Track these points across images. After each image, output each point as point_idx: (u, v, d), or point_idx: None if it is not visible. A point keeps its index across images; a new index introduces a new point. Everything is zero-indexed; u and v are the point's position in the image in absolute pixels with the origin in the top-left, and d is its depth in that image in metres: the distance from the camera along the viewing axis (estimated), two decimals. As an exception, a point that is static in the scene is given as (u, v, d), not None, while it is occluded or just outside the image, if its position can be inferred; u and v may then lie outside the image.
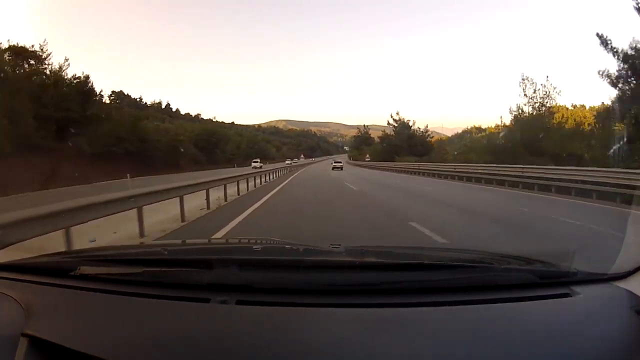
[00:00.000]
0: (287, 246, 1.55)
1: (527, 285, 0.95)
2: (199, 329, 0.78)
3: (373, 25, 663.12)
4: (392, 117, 54.95)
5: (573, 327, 0.81)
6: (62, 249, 3.50)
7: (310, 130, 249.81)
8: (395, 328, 0.77)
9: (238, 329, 0.78)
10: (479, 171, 18.10)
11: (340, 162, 42.21)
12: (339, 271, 1.06)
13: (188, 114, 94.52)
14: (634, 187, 8.75)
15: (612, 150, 13.90)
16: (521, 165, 15.38)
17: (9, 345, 0.76)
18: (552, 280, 0.99)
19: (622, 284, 0.97)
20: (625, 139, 12.91)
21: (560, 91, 25.74)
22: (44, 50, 29.18)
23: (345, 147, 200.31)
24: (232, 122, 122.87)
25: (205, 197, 8.71)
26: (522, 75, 26.05)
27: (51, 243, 3.75)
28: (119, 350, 0.73)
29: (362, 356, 0.70)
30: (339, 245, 1.34)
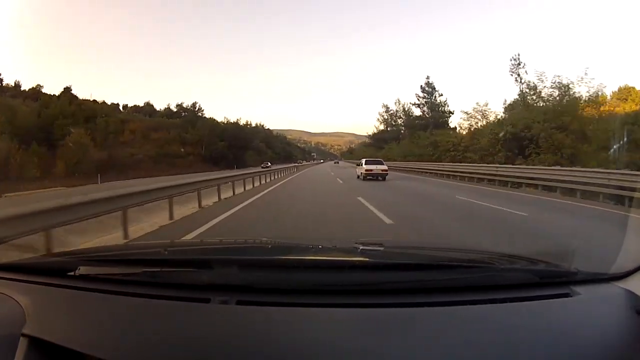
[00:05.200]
0: (287, 246, 1.55)
1: (528, 285, 0.95)
2: (199, 329, 0.78)
3: (334, 38, 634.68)
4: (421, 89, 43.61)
5: (573, 327, 0.81)
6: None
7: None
8: (395, 328, 0.77)
9: (238, 329, 0.78)
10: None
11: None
12: (340, 271, 1.06)
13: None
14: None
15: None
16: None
17: (9, 345, 0.76)
18: (553, 280, 0.99)
19: (622, 284, 0.97)
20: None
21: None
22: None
23: (313, 154, 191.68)
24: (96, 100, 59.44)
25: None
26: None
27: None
28: (118, 350, 0.73)
29: (362, 356, 0.70)
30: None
